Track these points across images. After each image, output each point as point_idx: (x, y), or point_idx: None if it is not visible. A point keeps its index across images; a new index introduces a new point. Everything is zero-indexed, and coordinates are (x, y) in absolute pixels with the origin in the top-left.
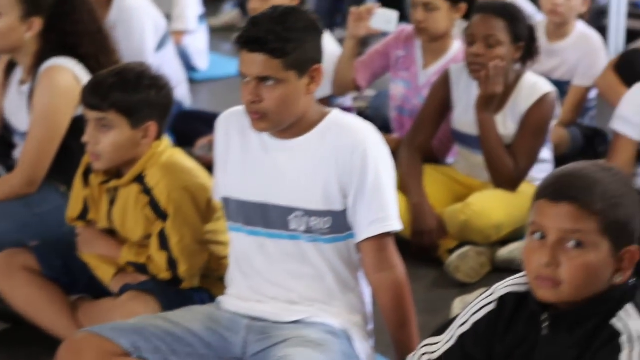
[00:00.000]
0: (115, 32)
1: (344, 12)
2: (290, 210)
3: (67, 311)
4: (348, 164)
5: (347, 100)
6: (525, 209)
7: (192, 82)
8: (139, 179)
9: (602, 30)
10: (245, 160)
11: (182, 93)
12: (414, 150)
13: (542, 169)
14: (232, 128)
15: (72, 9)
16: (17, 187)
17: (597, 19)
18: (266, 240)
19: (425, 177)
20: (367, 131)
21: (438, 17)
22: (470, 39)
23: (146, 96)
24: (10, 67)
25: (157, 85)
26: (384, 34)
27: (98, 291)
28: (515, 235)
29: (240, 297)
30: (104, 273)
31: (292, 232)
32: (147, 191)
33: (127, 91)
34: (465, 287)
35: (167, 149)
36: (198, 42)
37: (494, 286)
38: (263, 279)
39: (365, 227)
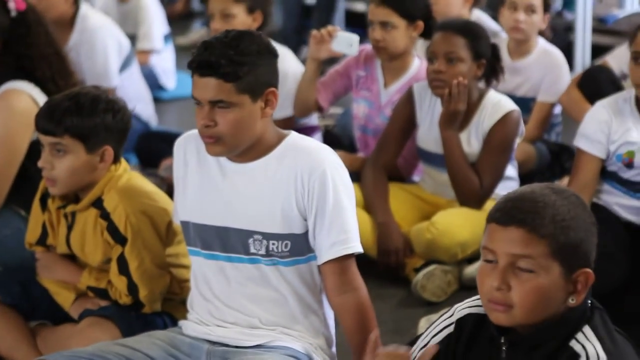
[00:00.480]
0: (78, 53)
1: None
2: (249, 234)
3: (26, 338)
4: (307, 187)
5: (313, 119)
6: None
7: (160, 101)
8: (97, 203)
9: (569, 46)
10: (202, 184)
11: (147, 113)
12: (378, 169)
13: (508, 186)
14: (190, 151)
15: (27, 32)
16: None
17: (564, 34)
18: (225, 264)
19: (391, 196)
20: (326, 153)
21: (396, 35)
22: (431, 56)
23: (102, 120)
24: None
25: (113, 109)
26: (345, 56)
27: (59, 317)
28: None
29: (201, 321)
30: (64, 299)
31: (251, 256)
32: (105, 215)
33: (82, 115)
34: (433, 306)
35: (125, 173)
36: (165, 61)
37: (454, 307)
38: (223, 304)
39: (326, 250)
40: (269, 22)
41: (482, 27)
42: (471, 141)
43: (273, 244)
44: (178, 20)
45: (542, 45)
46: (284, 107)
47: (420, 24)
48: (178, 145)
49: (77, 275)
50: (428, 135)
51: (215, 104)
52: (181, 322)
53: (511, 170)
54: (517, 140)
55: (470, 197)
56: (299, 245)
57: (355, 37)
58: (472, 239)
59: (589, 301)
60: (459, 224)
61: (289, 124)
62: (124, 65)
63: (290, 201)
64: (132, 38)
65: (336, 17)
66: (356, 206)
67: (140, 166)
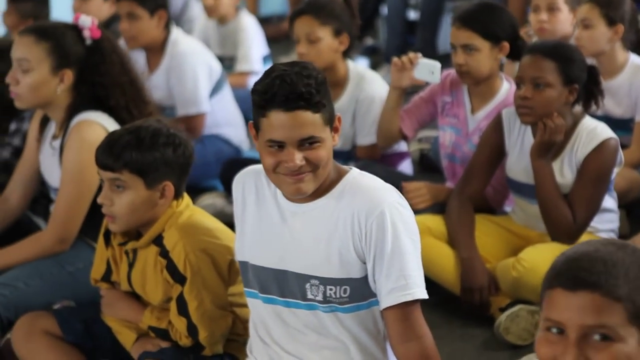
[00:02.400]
0: (168, 78)
1: (415, 48)
2: (306, 278)
3: None
4: (364, 229)
5: (402, 145)
6: None
7: None
8: (158, 240)
9: None
10: (261, 224)
11: (239, 137)
12: (464, 201)
13: (606, 219)
14: (248, 188)
15: (102, 60)
16: (49, 245)
17: None
18: (283, 310)
19: (478, 228)
20: (386, 192)
21: (479, 58)
22: (518, 81)
23: (162, 155)
24: (45, 121)
25: (173, 143)
26: (428, 84)
27: (123, 357)
28: None
29: None
30: (126, 338)
31: (309, 302)
32: (164, 254)
33: (141, 150)
34: (518, 349)
35: (187, 209)
36: None
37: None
38: (282, 349)
39: (385, 296)
40: (355, 45)
41: (576, 49)
42: (564, 171)
43: (330, 289)
44: (284, 39)
45: (633, 61)
46: (370, 134)
47: (506, 45)
48: (237, 183)
49: (140, 314)
50: (517, 165)
51: (306, 142)
52: None
53: (610, 202)
54: (615, 170)
55: (562, 232)
56: (358, 291)
57: (437, 65)
58: None
59: None
60: (547, 260)
61: (375, 150)
62: (215, 90)
63: (347, 244)
64: (232, 59)
65: (441, 35)
66: (440, 240)
67: (225, 193)
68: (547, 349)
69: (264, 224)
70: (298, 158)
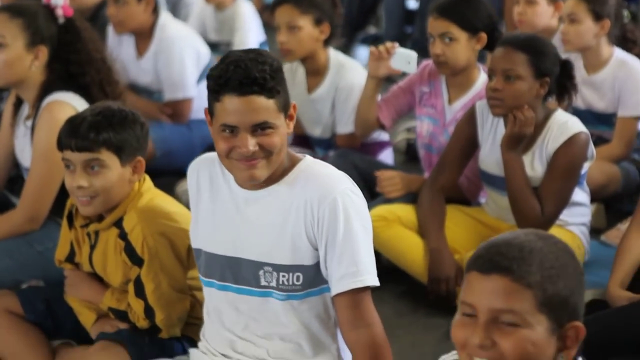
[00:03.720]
0: (156, 62)
1: (413, 38)
2: (260, 265)
3: (46, 358)
4: (316, 216)
5: (383, 135)
6: None
7: None
8: (118, 222)
9: None
10: (215, 211)
11: None
12: (436, 192)
13: (577, 213)
14: (202, 176)
15: (76, 37)
16: (19, 224)
17: None
18: (236, 297)
19: (450, 219)
20: (339, 180)
21: (457, 48)
22: (489, 73)
23: (133, 132)
24: (19, 102)
25: (138, 121)
26: (404, 74)
27: (84, 337)
28: None
29: (209, 350)
30: (86, 318)
31: (262, 289)
32: (123, 236)
33: (115, 128)
34: None
35: (148, 191)
36: None
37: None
38: (233, 335)
39: (336, 282)
40: (336, 34)
41: (549, 42)
42: (535, 164)
43: (283, 276)
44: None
45: (618, 56)
46: (349, 122)
47: (483, 36)
48: (191, 170)
49: (101, 295)
50: (490, 157)
51: (258, 127)
52: (191, 350)
53: (581, 196)
54: (587, 164)
55: (530, 224)
56: (311, 278)
57: (413, 55)
58: None
59: (579, 358)
60: None
61: (355, 139)
62: (203, 75)
63: (300, 231)
64: (228, 45)
65: None
66: (411, 230)
67: None
68: (460, 332)
69: (218, 211)
70: (251, 144)
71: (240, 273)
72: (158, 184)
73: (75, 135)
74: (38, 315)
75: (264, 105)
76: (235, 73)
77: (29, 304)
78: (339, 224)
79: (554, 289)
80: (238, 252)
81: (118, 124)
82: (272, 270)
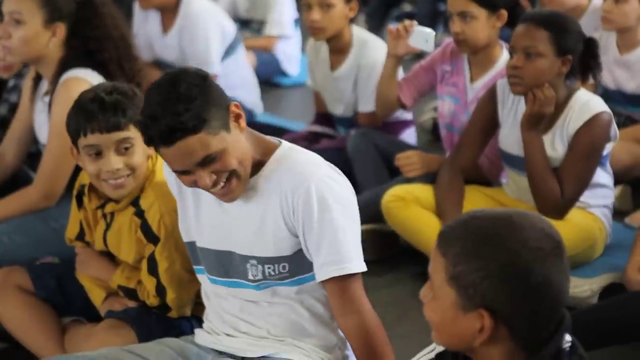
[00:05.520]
0: (181, 38)
1: (445, 15)
2: (246, 259)
3: (55, 335)
4: (291, 205)
5: (405, 113)
6: (572, 237)
7: (279, 87)
8: (135, 200)
9: None
10: (200, 207)
11: (252, 100)
12: (455, 172)
13: (600, 194)
14: None
15: (94, 14)
16: (35, 201)
17: None
18: (230, 289)
19: (468, 199)
20: (315, 166)
21: (476, 26)
22: (510, 50)
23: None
24: (38, 78)
25: (138, 95)
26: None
27: (94, 314)
28: None
29: (212, 330)
30: (96, 296)
31: (252, 282)
32: (139, 213)
33: (134, 104)
34: None
35: (161, 169)
36: (290, 46)
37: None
38: (233, 316)
39: (317, 269)
40: (358, 12)
41: (572, 19)
42: (555, 144)
43: (269, 267)
44: None
45: None
46: (371, 101)
47: (504, 13)
48: (167, 171)
49: (112, 273)
50: (510, 136)
51: (205, 161)
52: (196, 330)
53: (603, 177)
54: (610, 145)
55: (550, 206)
56: (298, 265)
57: (431, 33)
58: None
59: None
60: None
61: (376, 118)
62: (228, 52)
63: (279, 222)
64: (261, 23)
65: None
66: (428, 210)
67: None
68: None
69: (203, 206)
70: (207, 177)
71: (231, 266)
72: None
73: (99, 117)
74: (49, 292)
75: (195, 143)
76: (157, 127)
77: (39, 280)
78: (314, 211)
79: (465, 268)
80: (226, 245)
81: (135, 100)
82: (257, 264)
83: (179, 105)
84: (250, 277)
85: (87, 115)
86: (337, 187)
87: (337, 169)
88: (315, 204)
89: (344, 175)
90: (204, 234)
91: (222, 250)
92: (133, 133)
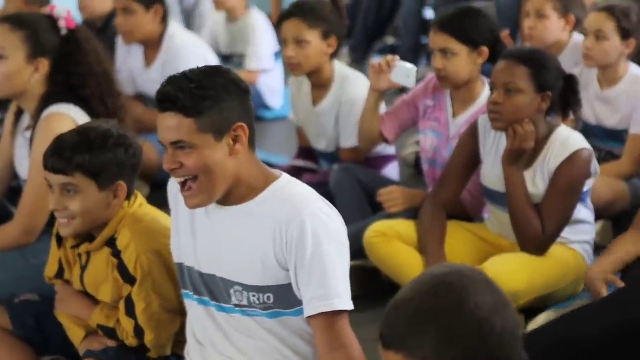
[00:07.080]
0: (164, 73)
1: (429, 50)
2: (230, 284)
3: None
4: (284, 238)
5: (388, 148)
6: (553, 274)
7: (263, 121)
8: (110, 241)
9: None
10: (193, 227)
11: None
12: (437, 207)
13: (581, 230)
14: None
15: (78, 49)
16: (15, 237)
17: None
18: (215, 312)
19: (450, 235)
20: (310, 201)
21: (457, 63)
22: (491, 86)
23: (113, 156)
24: (20, 113)
25: (124, 144)
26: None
27: (72, 353)
28: (545, 303)
29: None
30: (75, 335)
31: (236, 307)
32: (116, 254)
33: (93, 152)
34: None
35: (140, 208)
36: (272, 80)
37: None
38: (215, 350)
39: (306, 304)
40: (341, 47)
41: (552, 56)
42: (536, 181)
43: (254, 295)
44: None
45: (633, 71)
46: (353, 136)
47: (485, 50)
48: (171, 184)
49: (91, 311)
50: (492, 172)
51: (176, 145)
52: None
53: (584, 213)
54: (591, 181)
55: (531, 242)
56: (284, 297)
57: (413, 69)
58: (527, 288)
59: None
60: (511, 272)
61: (359, 153)
62: None
63: (269, 252)
64: (241, 57)
65: None
66: (410, 246)
67: None
68: None
69: (196, 227)
70: (171, 160)
71: (216, 289)
72: (163, 196)
73: (52, 156)
74: (27, 331)
75: (178, 123)
76: (160, 90)
77: (18, 319)
78: (307, 246)
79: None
80: (212, 269)
81: (98, 147)
82: (242, 290)
83: (191, 85)
84: (235, 302)
85: (48, 151)
86: (331, 222)
87: (330, 204)
88: (309, 238)
89: (336, 210)
90: (194, 255)
91: (209, 273)
92: (79, 181)
